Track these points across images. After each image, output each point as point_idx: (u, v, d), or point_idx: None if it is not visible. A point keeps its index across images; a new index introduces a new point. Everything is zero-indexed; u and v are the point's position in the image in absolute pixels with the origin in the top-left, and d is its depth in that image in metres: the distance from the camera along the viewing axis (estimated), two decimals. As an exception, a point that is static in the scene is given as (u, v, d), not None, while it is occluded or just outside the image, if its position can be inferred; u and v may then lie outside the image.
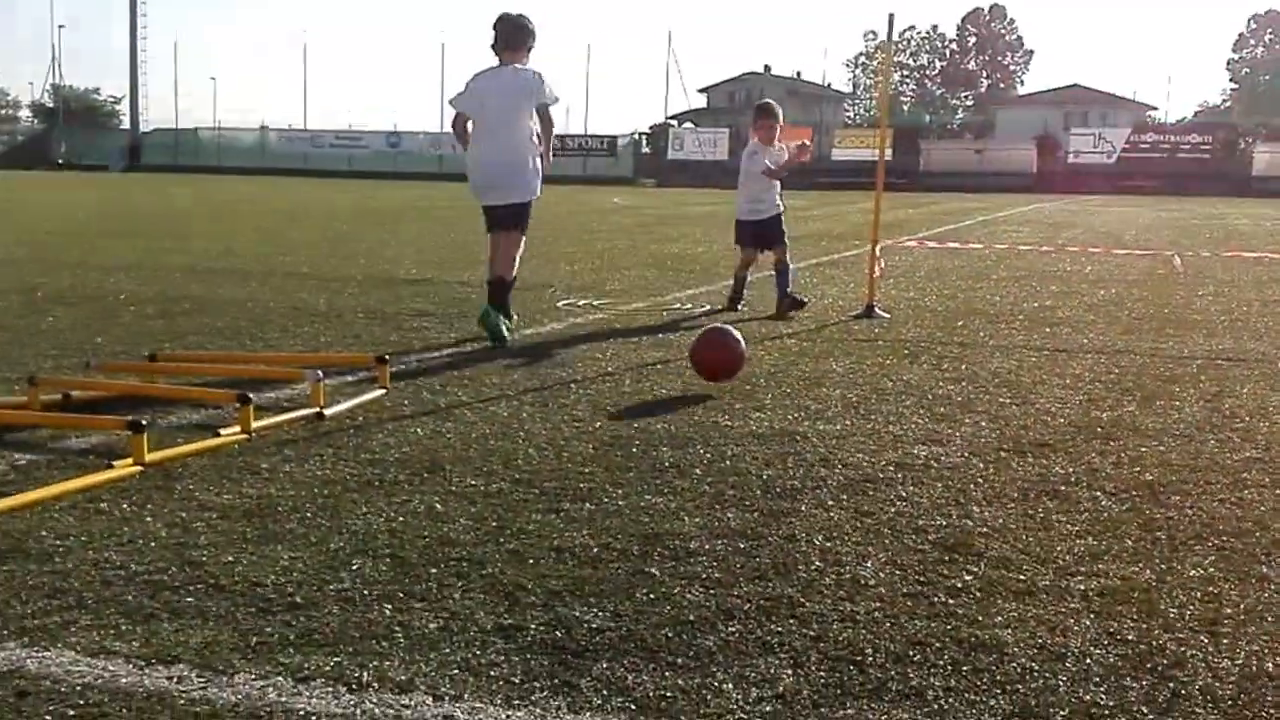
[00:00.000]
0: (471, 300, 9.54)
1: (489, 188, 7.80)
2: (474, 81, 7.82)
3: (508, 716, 2.46)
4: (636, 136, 69.69)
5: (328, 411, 5.14)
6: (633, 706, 2.51)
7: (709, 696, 2.57)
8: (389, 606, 3.03)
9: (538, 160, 7.78)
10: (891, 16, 9.60)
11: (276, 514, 3.79)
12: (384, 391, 5.67)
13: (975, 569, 3.41)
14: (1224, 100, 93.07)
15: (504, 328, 7.43)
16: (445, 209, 26.44)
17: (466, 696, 2.54)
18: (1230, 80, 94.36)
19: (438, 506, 3.88)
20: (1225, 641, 2.93)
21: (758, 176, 9.35)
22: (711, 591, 3.17)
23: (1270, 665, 2.80)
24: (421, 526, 3.67)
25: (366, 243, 15.79)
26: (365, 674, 2.64)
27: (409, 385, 5.91)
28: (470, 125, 7.82)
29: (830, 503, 4.04)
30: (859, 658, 2.78)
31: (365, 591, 3.14)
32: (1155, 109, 77.49)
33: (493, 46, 7.73)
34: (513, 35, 7.68)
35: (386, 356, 5.94)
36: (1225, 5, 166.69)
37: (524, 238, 7.94)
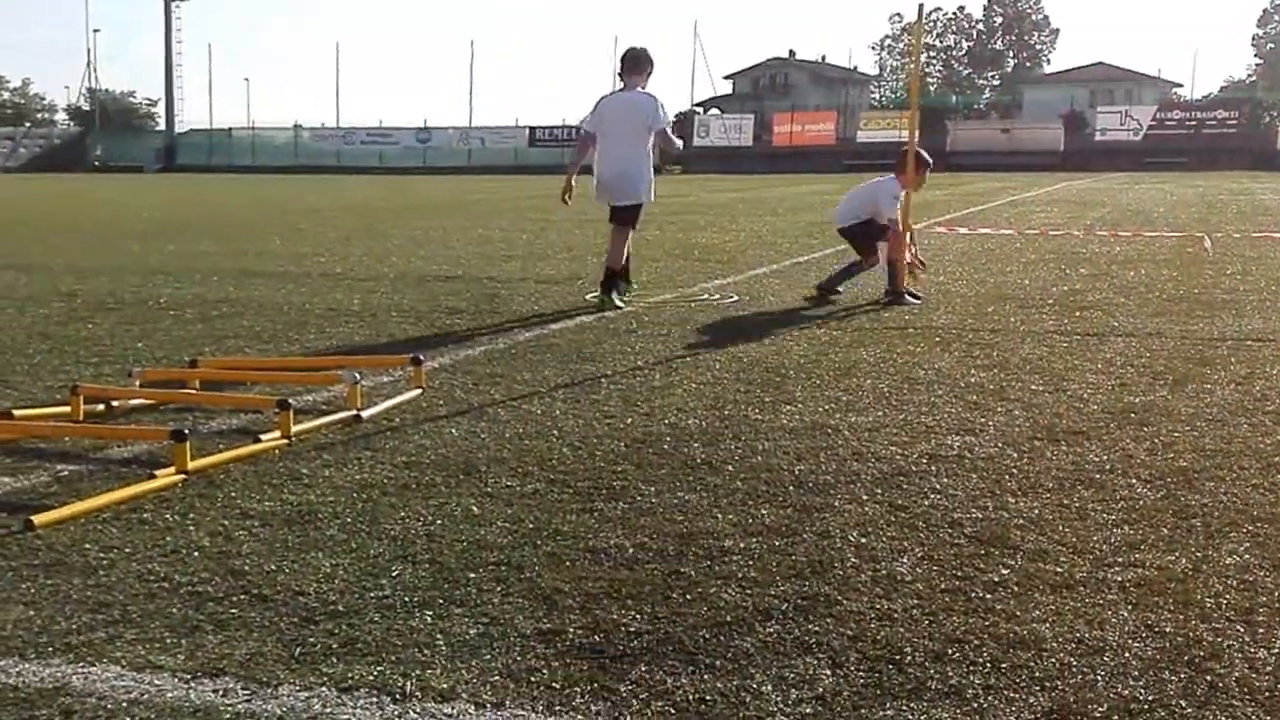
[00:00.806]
0: (501, 295, 9.56)
1: (605, 192, 9.03)
2: (600, 103, 9.02)
3: (549, 724, 2.46)
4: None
5: (365, 414, 5.15)
6: (672, 710, 2.50)
7: (748, 699, 2.55)
8: (429, 613, 3.03)
9: (649, 170, 8.94)
10: (921, 5, 9.49)
11: (317, 520, 3.80)
12: (419, 392, 5.68)
13: (1012, 562, 3.38)
14: (1249, 75, 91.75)
15: (617, 301, 8.84)
16: (474, 203, 26.50)
17: (508, 704, 2.54)
18: (1255, 55, 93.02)
19: (474, 509, 3.89)
20: (1261, 631, 2.90)
21: (874, 209, 9.15)
22: (748, 591, 3.16)
23: None
24: (459, 530, 3.67)
25: (398, 240, 15.83)
26: (408, 683, 2.64)
27: (443, 385, 5.91)
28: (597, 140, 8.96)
29: (864, 497, 4.01)
30: (898, 656, 2.76)
31: (406, 598, 3.14)
32: (1180, 85, 76.60)
33: (619, 74, 9.05)
34: (634, 63, 8.92)
35: (421, 357, 5.95)
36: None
37: (630, 231, 9.15)
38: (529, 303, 9.16)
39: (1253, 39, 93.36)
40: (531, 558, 3.42)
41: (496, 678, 2.66)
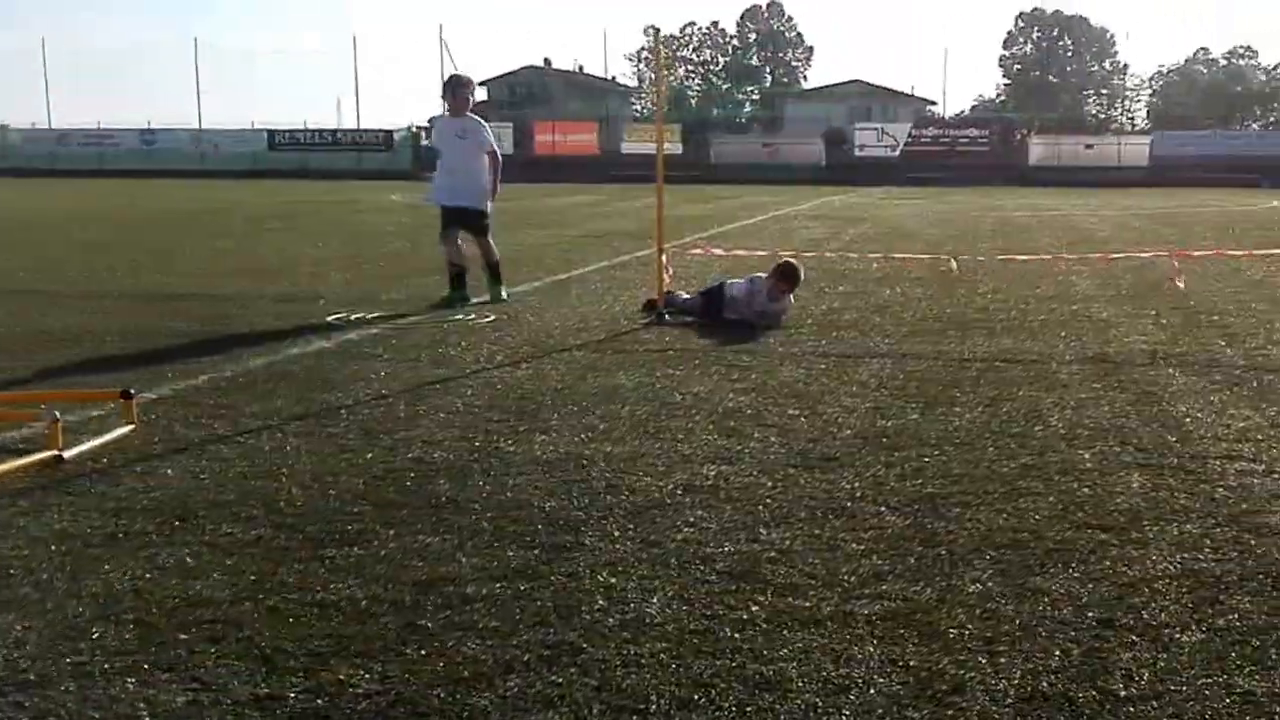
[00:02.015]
0: (233, 316, 9.21)
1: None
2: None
3: (263, 802, 2.35)
4: (414, 129, 68.68)
5: (67, 454, 4.86)
6: (402, 780, 2.44)
7: (484, 762, 2.51)
8: (132, 680, 2.87)
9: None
10: (657, 30, 9.73)
11: (8, 577, 3.56)
12: (131, 428, 5.38)
13: (762, 598, 3.47)
14: (998, 94, 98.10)
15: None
16: (206, 211, 25.46)
17: (218, 782, 2.42)
18: (1003, 75, 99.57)
19: (189, 561, 3.71)
20: (1003, 661, 3.07)
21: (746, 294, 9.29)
22: (488, 643, 3.12)
23: (1044, 684, 2.94)
24: (170, 585, 3.49)
25: (118, 252, 15.03)
26: (103, 762, 2.48)
27: (161, 419, 5.63)
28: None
29: (616, 533, 4.04)
30: (642, 705, 2.78)
31: (106, 664, 2.97)
32: (934, 103, 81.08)
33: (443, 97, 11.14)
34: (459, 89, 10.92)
35: (132, 391, 5.63)
36: (995, 2, 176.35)
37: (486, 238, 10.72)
38: (264, 324, 8.86)
39: (999, 60, 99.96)
40: (251, 614, 3.28)
41: (206, 753, 2.53)
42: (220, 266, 13.28)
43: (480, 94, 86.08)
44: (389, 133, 65.00)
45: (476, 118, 11.09)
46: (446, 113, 11.36)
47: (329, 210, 25.95)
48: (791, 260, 9.74)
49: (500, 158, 10.89)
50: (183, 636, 3.13)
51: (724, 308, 9.34)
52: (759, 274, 9.67)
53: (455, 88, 10.97)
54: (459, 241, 10.51)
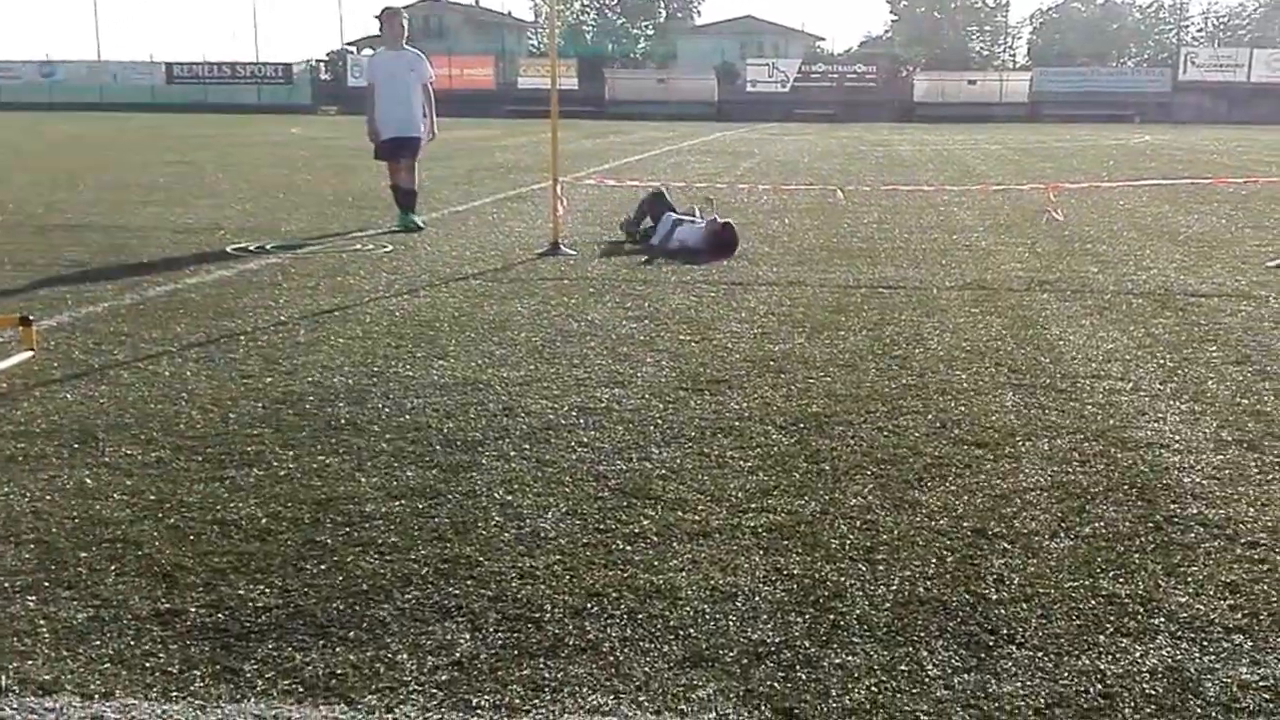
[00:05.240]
0: (132, 246, 8.95)
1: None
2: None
3: (164, 711, 2.34)
4: (314, 63, 66.95)
5: (-39, 380, 4.70)
6: (300, 688, 2.44)
7: (382, 669, 2.52)
8: (33, 598, 2.82)
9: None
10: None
11: (-102, 502, 3.43)
12: (30, 354, 5.22)
13: (653, 513, 3.50)
14: (886, 31, 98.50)
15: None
16: (106, 143, 24.60)
17: (118, 692, 2.40)
18: (890, 12, 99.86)
19: (89, 482, 3.63)
20: (881, 569, 3.14)
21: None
22: (387, 557, 3.11)
23: (920, 589, 3.02)
24: (71, 505, 3.42)
25: (15, 184, 14.47)
26: (4, 677, 2.44)
27: (60, 346, 5.47)
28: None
29: (512, 453, 4.04)
30: (537, 614, 2.81)
31: (6, 583, 2.90)
32: (824, 39, 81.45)
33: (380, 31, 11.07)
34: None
35: (31, 317, 5.46)
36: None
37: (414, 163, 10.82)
38: (163, 253, 8.62)
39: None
40: (151, 533, 3.23)
41: (107, 665, 2.50)
42: (118, 197, 12.85)
43: (374, 28, 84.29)
44: (289, 66, 63.21)
45: (416, 50, 11.03)
46: (384, 47, 11.16)
47: (228, 142, 25.27)
48: (733, 225, 9.59)
49: (433, 89, 10.94)
50: (82, 555, 3.07)
51: (666, 240, 9.41)
52: (710, 215, 9.59)
53: (394, 20, 10.89)
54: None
